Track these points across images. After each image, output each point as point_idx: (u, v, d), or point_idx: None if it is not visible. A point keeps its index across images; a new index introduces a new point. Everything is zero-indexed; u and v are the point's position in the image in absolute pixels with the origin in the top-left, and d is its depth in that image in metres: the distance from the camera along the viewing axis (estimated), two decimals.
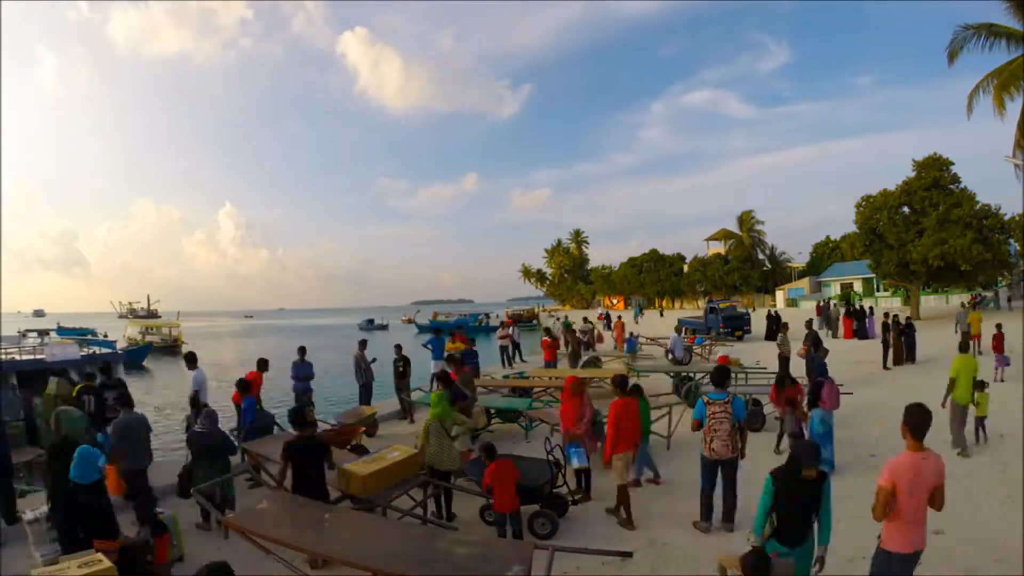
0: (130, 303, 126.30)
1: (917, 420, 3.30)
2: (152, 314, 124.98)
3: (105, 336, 29.94)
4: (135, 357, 27.05)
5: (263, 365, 8.84)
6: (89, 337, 28.68)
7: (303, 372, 10.15)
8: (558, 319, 32.12)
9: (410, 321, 62.91)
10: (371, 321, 65.43)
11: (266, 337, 57.51)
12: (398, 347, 11.79)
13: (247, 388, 7.77)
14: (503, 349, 19.10)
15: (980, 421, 7.60)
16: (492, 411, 9.70)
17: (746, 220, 59.64)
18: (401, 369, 11.36)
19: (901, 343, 14.75)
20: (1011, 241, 24.91)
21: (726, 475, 5.32)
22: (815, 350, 11.38)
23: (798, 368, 11.39)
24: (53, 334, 26.75)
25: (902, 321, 15.27)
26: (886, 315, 15.56)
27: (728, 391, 5.44)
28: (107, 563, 3.71)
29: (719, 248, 60.28)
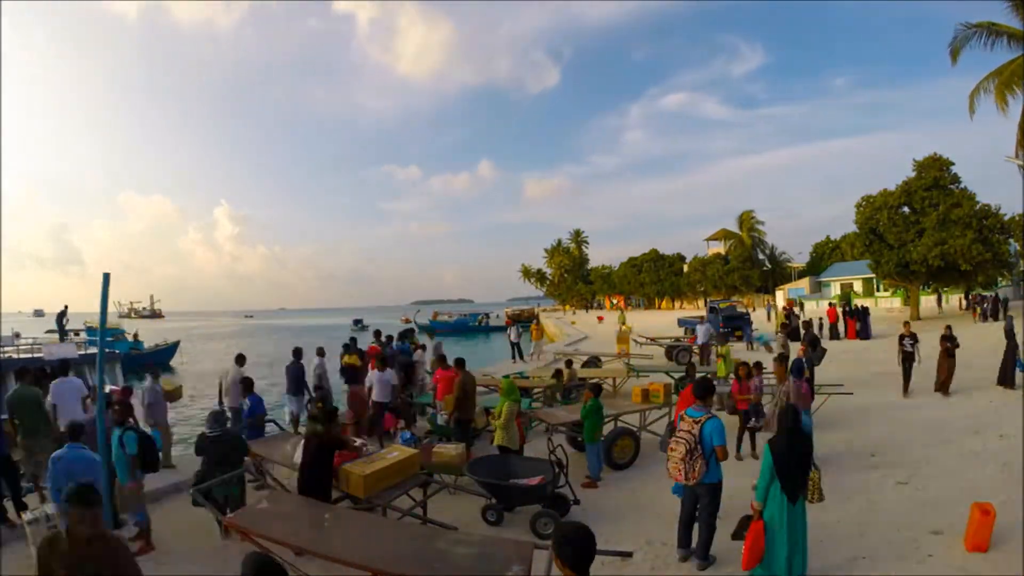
0: (131, 303, 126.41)
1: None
2: (155, 314, 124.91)
3: (135, 336, 29.93)
4: (161, 357, 27.02)
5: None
6: (115, 337, 28.59)
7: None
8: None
9: (409, 321, 63.02)
10: (358, 321, 67.55)
11: (255, 338, 56.86)
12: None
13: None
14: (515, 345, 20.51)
15: None
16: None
17: (746, 220, 59.63)
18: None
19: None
20: (1011, 241, 24.90)
21: (701, 502, 4.68)
22: (812, 350, 11.39)
23: None
24: (83, 334, 26.58)
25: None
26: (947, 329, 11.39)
27: (708, 410, 4.72)
28: None
29: (719, 248, 60.25)
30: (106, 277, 5.20)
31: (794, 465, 4.15)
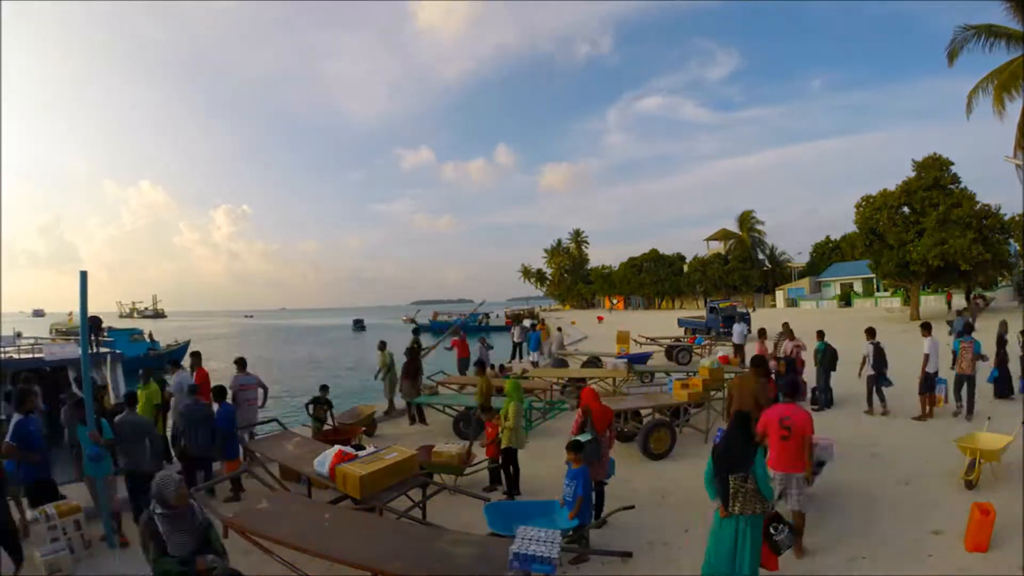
0: (133, 303, 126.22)
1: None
2: (159, 314, 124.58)
3: (150, 337, 30.06)
4: (176, 356, 27.13)
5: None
6: (135, 338, 28.77)
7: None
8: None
9: (411, 321, 62.97)
10: (358, 322, 68.69)
11: (242, 339, 56.24)
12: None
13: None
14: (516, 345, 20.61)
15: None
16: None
17: (746, 220, 59.63)
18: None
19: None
20: (1011, 241, 24.91)
21: None
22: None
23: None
24: (104, 334, 26.85)
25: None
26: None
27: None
28: None
29: (719, 248, 60.25)
30: (83, 275, 5.24)
31: (726, 471, 4.01)
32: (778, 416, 4.78)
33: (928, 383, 8.98)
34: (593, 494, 5.21)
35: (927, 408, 9.02)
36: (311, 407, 8.92)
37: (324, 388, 9.30)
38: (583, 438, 5.26)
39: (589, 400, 5.69)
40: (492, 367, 14.18)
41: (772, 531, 4.06)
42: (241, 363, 8.35)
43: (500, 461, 6.64)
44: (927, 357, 8.91)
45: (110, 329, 30.21)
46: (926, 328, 9.29)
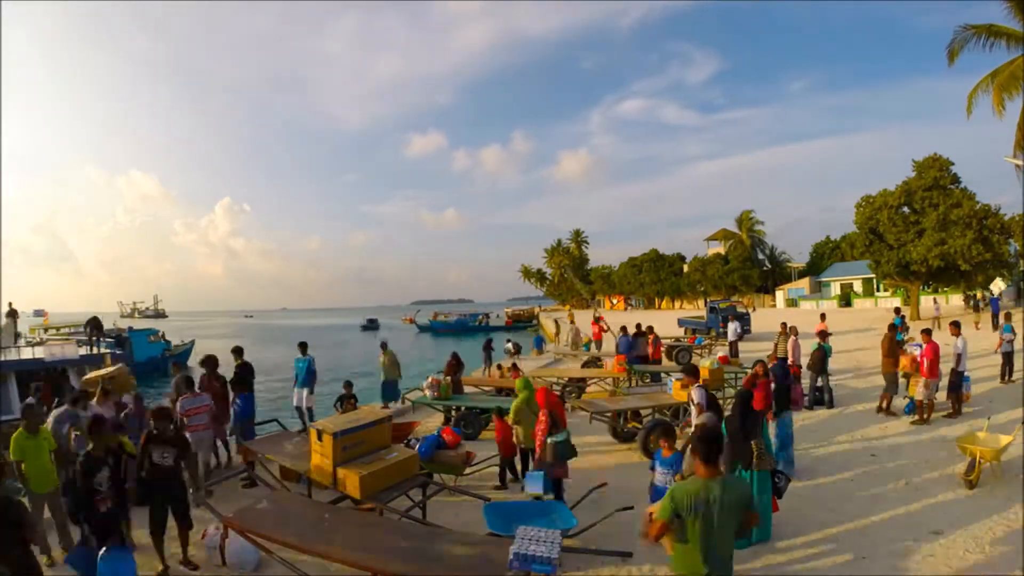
0: (134, 302, 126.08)
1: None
2: (159, 314, 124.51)
3: (163, 337, 30.21)
4: (185, 356, 27.25)
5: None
6: (152, 338, 28.90)
7: None
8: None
9: (411, 321, 62.94)
10: (372, 321, 68.66)
11: (231, 341, 55.62)
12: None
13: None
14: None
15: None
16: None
17: (745, 220, 59.59)
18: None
19: None
20: (1011, 241, 24.90)
21: None
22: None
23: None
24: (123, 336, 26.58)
25: None
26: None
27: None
28: None
29: (719, 248, 60.18)
30: None
31: (741, 440, 5.11)
32: None
33: (957, 381, 8.96)
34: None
35: (956, 406, 8.96)
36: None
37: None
38: (559, 437, 5.72)
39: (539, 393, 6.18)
40: (499, 368, 14.26)
41: (776, 480, 5.14)
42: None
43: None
44: (959, 356, 8.85)
45: (130, 329, 30.25)
46: (956, 327, 9.27)
